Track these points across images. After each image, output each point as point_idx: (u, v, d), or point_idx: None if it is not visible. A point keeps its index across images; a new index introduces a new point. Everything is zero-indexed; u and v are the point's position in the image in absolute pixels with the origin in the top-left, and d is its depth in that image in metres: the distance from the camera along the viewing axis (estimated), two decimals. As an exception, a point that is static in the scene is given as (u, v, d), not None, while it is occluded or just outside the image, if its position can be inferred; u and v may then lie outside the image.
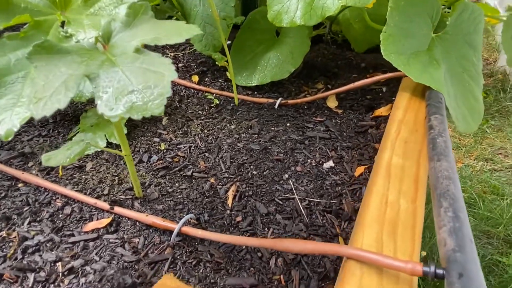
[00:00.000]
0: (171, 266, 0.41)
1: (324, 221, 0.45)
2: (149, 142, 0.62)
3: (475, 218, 1.55)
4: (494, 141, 2.16)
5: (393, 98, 0.72)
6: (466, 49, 0.59)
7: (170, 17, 1.05)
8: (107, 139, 0.60)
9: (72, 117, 0.69)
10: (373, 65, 0.86)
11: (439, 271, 0.23)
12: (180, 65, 0.87)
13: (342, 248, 0.28)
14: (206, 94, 0.77)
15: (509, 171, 1.89)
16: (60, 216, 0.48)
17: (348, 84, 0.68)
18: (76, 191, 0.51)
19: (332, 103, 0.73)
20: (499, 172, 1.91)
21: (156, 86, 0.23)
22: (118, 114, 0.24)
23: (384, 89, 0.71)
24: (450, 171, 0.32)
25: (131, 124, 0.66)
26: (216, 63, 0.68)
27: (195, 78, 0.82)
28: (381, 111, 0.68)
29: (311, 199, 0.49)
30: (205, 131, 0.65)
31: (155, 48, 0.95)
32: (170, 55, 0.94)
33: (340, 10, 0.60)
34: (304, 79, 0.83)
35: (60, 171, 0.56)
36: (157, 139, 0.62)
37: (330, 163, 0.55)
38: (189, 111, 0.71)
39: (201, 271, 0.40)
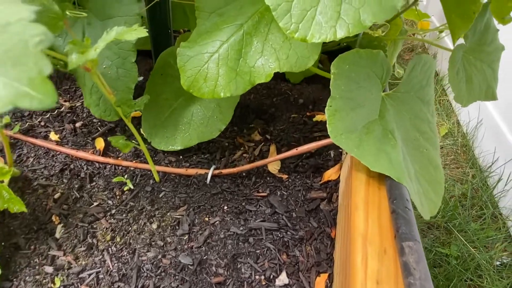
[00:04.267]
0: None
1: None
2: (37, 275, 0.45)
3: (415, 209, 1.60)
4: (422, 120, 2.27)
5: (340, 150, 0.63)
6: (420, 106, 0.51)
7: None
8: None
9: None
10: (312, 101, 0.75)
11: None
12: (78, 124, 0.68)
13: None
14: (117, 166, 0.61)
15: (440, 152, 2.00)
16: None
17: (291, 150, 0.57)
18: None
19: (274, 166, 0.61)
20: (429, 153, 2.01)
21: None
22: None
23: (332, 154, 0.61)
24: None
25: (10, 243, 0.48)
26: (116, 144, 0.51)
27: (100, 143, 0.65)
28: (330, 173, 0.59)
29: None
30: (118, 238, 0.50)
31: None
32: (66, 105, 0.73)
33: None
34: (237, 125, 0.70)
35: None
36: (49, 268, 0.46)
37: (283, 278, 0.44)
38: (94, 204, 0.54)
39: None
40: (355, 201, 0.43)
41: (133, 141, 0.67)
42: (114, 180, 0.55)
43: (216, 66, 0.46)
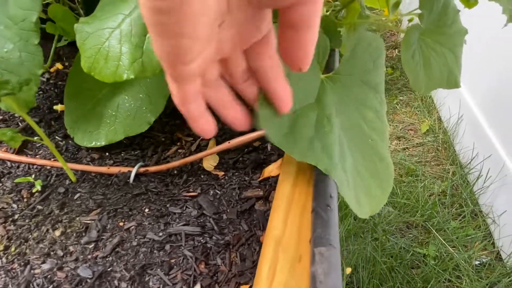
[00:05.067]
0: None
1: None
2: None
3: (395, 207, 1.55)
4: (404, 118, 2.22)
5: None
6: (365, 92, 0.45)
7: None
8: None
9: None
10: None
11: None
12: (-5, 118, 0.61)
13: None
14: (31, 165, 0.53)
15: (421, 149, 1.95)
16: None
17: (224, 144, 0.50)
18: None
19: (209, 162, 0.55)
20: (411, 150, 1.96)
21: None
22: None
23: (269, 147, 0.55)
24: None
25: None
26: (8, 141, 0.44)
27: (17, 139, 0.57)
28: (271, 169, 0.52)
29: None
30: (12, 248, 0.42)
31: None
32: (-12, 100, 0.66)
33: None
34: (179, 118, 0.63)
35: None
36: None
37: (196, 292, 0.37)
38: (-5, 209, 0.47)
39: None
40: (278, 199, 0.36)
41: (56, 137, 0.60)
42: (17, 180, 0.48)
43: (118, 43, 0.39)
